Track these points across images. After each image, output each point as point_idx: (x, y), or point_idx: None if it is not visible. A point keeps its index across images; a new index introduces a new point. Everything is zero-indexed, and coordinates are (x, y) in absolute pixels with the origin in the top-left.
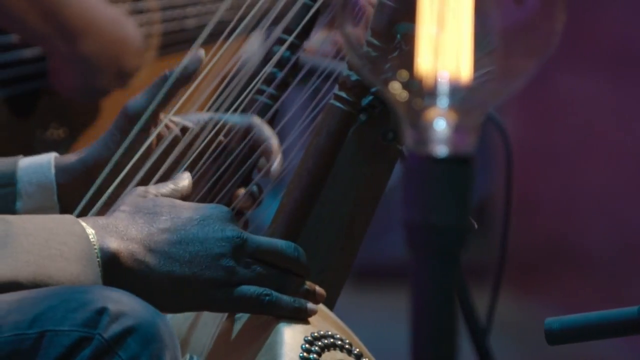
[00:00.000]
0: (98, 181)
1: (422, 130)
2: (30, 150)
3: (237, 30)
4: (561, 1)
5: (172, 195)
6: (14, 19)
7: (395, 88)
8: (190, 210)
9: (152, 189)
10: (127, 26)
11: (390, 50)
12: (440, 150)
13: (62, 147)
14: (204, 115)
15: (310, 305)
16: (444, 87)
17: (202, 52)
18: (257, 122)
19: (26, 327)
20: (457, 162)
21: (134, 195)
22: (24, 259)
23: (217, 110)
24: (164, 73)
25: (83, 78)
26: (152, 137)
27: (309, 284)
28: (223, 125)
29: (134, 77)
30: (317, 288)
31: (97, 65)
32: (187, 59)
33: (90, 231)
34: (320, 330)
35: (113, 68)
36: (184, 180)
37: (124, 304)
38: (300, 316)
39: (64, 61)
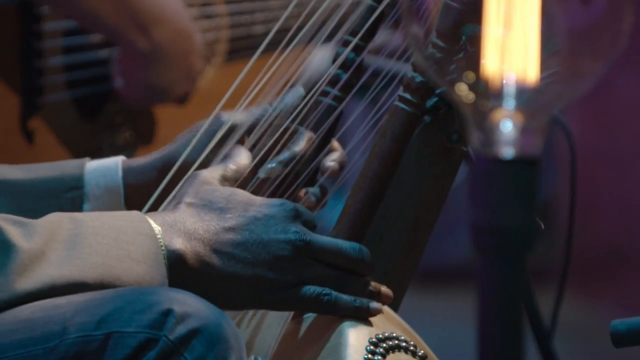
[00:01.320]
0: (164, 182)
1: (489, 132)
2: (98, 153)
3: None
4: (628, 2)
5: (235, 177)
6: (87, 12)
7: (462, 89)
8: (255, 207)
9: (214, 172)
10: (192, 23)
11: (455, 52)
12: (507, 152)
13: (129, 150)
14: (267, 112)
15: (372, 304)
16: (510, 88)
17: (301, 90)
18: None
19: (92, 329)
20: (523, 164)
21: (198, 183)
22: (92, 260)
23: (280, 111)
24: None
25: (153, 74)
26: (217, 137)
27: (374, 285)
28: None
29: (195, 86)
30: (383, 288)
31: (168, 59)
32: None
33: (157, 230)
34: (384, 332)
35: (182, 64)
36: (242, 157)
37: (190, 306)
38: (362, 316)
39: (134, 56)
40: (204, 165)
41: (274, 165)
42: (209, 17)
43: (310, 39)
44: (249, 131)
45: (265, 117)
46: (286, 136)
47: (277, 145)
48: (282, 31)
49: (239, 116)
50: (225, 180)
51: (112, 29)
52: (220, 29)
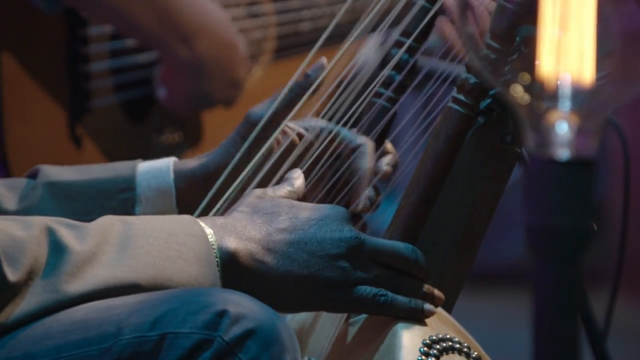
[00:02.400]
0: (216, 185)
1: (544, 133)
2: (147, 155)
3: (355, 34)
4: None
5: (290, 196)
6: (131, 22)
7: (517, 91)
8: (308, 210)
9: (270, 190)
10: (235, 32)
11: (510, 53)
12: (562, 153)
13: (177, 151)
14: (320, 123)
15: (427, 306)
16: (565, 90)
17: (324, 60)
18: (366, 146)
19: (147, 330)
20: (579, 165)
21: (252, 196)
22: (144, 261)
23: (335, 113)
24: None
25: (195, 84)
26: (269, 143)
27: (427, 287)
28: (335, 137)
29: (240, 91)
30: (436, 291)
31: (211, 69)
32: (308, 66)
33: (208, 231)
34: (438, 334)
35: (225, 74)
36: (298, 179)
37: (244, 307)
38: (417, 317)
39: (177, 66)
40: (243, 163)
41: (366, 200)
42: (256, 15)
43: (362, 36)
44: (274, 120)
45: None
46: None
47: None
48: (336, 27)
49: (257, 109)
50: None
51: (154, 39)
52: (267, 28)
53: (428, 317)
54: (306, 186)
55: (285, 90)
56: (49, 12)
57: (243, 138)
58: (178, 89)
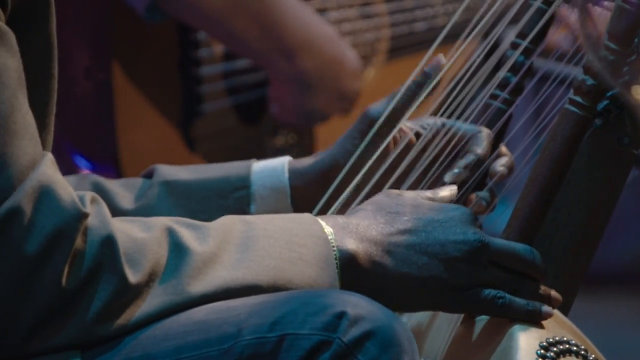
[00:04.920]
0: (334, 184)
1: None
2: (261, 156)
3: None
4: None
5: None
6: (234, 36)
7: (638, 92)
8: (432, 211)
9: (409, 194)
10: (343, 46)
11: (629, 54)
12: None
13: (290, 153)
14: (437, 121)
15: (545, 308)
16: None
17: (442, 57)
18: (486, 133)
19: (267, 331)
20: None
21: (382, 194)
22: (265, 262)
23: (451, 113)
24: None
25: (302, 99)
26: (386, 141)
27: (544, 289)
28: (455, 133)
29: (354, 102)
30: (553, 292)
31: (317, 85)
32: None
33: (329, 231)
34: (555, 336)
35: (332, 89)
36: (444, 191)
37: (363, 308)
38: (534, 319)
39: (283, 81)
40: (361, 163)
41: (459, 170)
42: (369, 16)
43: (479, 36)
44: (392, 118)
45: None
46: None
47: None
48: (451, 27)
49: (376, 106)
50: None
51: (259, 54)
52: (380, 28)
53: (545, 319)
54: (424, 185)
55: (404, 88)
56: (151, 22)
57: (362, 134)
58: (287, 104)
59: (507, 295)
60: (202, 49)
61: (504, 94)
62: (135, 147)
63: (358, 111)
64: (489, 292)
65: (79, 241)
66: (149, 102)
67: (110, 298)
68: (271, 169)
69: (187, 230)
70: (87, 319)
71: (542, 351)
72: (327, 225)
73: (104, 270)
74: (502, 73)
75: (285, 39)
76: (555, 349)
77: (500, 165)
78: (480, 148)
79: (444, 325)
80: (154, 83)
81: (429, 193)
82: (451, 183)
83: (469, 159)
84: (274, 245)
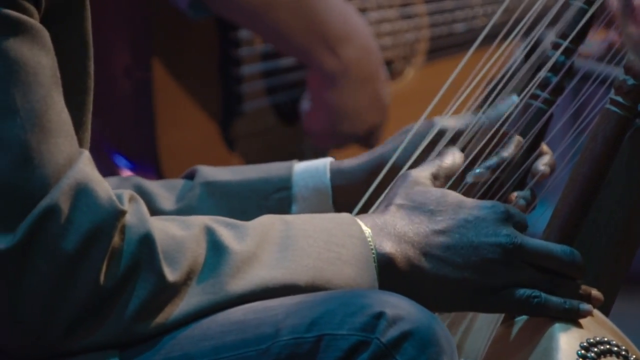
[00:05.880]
0: (374, 184)
1: None
2: (300, 155)
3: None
4: None
5: (447, 175)
6: (276, 31)
7: None
8: (466, 209)
9: (425, 171)
10: (372, 37)
11: None
12: None
13: (329, 153)
14: (481, 117)
15: (583, 306)
16: None
17: (515, 98)
18: (517, 139)
19: (304, 331)
20: None
21: (409, 183)
22: (304, 262)
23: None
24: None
25: (340, 97)
26: (426, 141)
27: (584, 288)
28: (496, 132)
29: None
30: (594, 292)
31: (356, 79)
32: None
33: (368, 232)
34: (596, 336)
35: (369, 88)
36: (455, 157)
37: (401, 309)
38: (573, 317)
39: (323, 79)
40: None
41: (482, 170)
42: (409, 17)
43: (518, 37)
44: (457, 137)
45: (475, 122)
46: (495, 140)
47: (487, 149)
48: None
49: (449, 121)
50: (436, 179)
51: (302, 49)
52: (420, 29)
53: (584, 317)
54: (464, 187)
55: (475, 118)
56: (195, 18)
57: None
58: (322, 102)
59: (543, 295)
60: (242, 48)
61: (545, 94)
62: (175, 146)
63: (397, 114)
64: (524, 291)
65: (116, 239)
66: (189, 101)
67: (148, 296)
68: (313, 169)
69: (225, 229)
70: (125, 318)
71: (583, 351)
72: (365, 227)
73: (142, 269)
74: (542, 73)
75: (329, 31)
76: (595, 349)
77: (542, 164)
78: (507, 152)
79: (485, 325)
80: (194, 82)
81: (443, 163)
82: (472, 183)
83: (492, 160)
84: (312, 245)
